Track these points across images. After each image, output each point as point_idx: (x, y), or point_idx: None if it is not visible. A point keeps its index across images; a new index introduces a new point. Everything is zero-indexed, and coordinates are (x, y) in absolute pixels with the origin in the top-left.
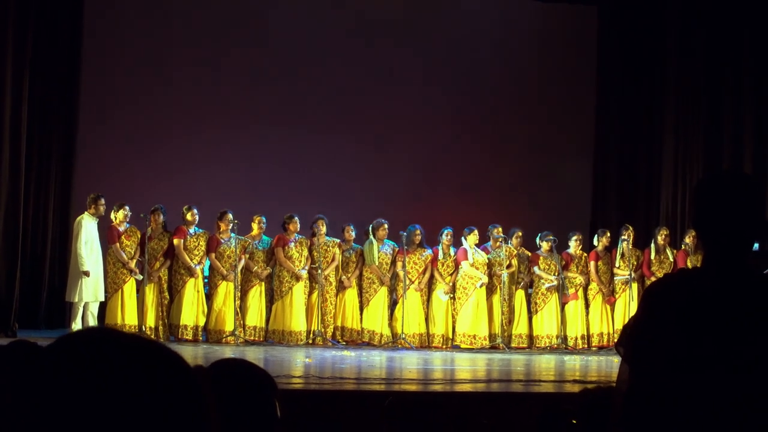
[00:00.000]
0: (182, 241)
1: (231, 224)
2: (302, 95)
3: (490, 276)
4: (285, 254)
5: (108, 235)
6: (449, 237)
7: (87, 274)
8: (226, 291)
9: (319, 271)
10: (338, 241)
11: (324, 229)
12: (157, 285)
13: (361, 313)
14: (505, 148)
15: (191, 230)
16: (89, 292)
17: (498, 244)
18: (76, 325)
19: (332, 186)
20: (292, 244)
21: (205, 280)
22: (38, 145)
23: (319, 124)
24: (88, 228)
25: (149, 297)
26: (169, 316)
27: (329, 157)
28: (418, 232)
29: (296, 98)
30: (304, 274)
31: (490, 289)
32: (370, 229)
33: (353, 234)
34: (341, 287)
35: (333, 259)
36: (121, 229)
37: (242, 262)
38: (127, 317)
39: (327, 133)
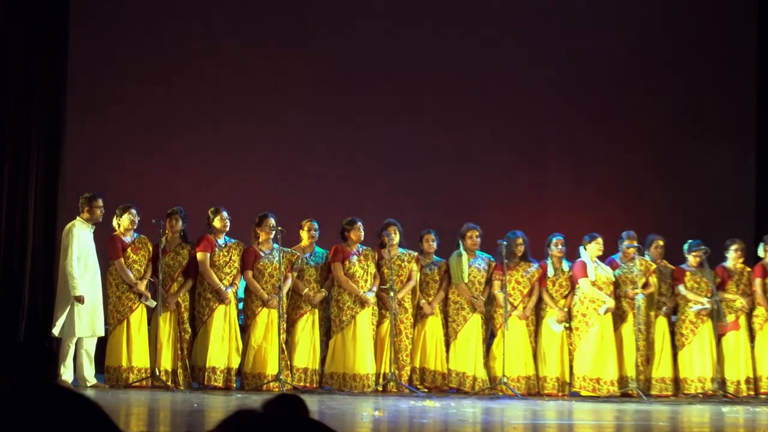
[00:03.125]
0: (208, 255)
1: (273, 232)
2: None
3: (618, 299)
4: (345, 271)
5: (109, 248)
6: (560, 247)
7: (80, 300)
8: (267, 321)
9: (392, 293)
10: (415, 254)
11: (397, 238)
12: (175, 314)
13: (448, 350)
14: (635, 133)
15: (220, 240)
16: (83, 324)
17: (630, 256)
18: (66, 369)
19: (405, 183)
20: (355, 257)
21: (240, 307)
22: (15, 135)
23: (385, 102)
24: (81, 238)
25: (165, 330)
26: (192, 355)
27: (398, 146)
28: (520, 240)
29: (356, 76)
30: (372, 297)
31: (620, 317)
32: (459, 237)
33: (435, 244)
34: (420, 315)
35: (409, 278)
36: (127, 239)
37: (289, 283)
38: (135, 358)
39: (396, 115)
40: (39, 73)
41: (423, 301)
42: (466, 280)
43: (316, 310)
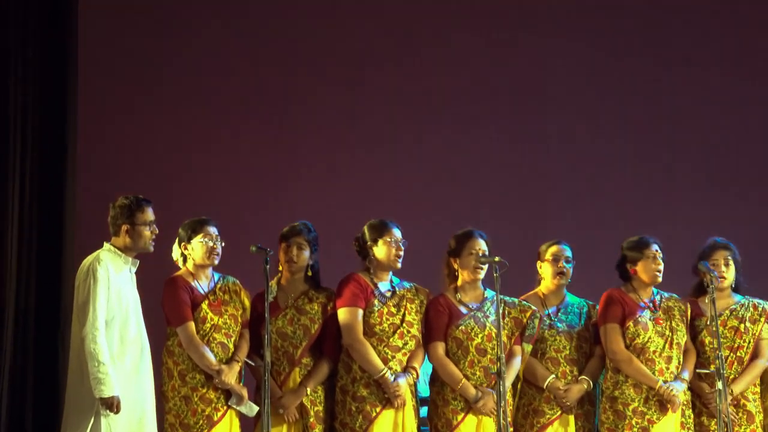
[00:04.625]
0: (360, 312)
1: (485, 266)
2: None
3: None
4: (630, 342)
5: (166, 303)
6: None
7: (113, 405)
8: None
9: (719, 384)
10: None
11: (731, 275)
12: (297, 430)
13: None
14: None
15: (383, 285)
16: None
17: None
18: None
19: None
20: (647, 315)
21: (423, 414)
22: None
23: None
24: (114, 285)
25: None
26: None
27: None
28: None
29: None
30: (682, 393)
31: None
32: None
33: None
34: None
35: (755, 354)
36: (201, 286)
37: (517, 364)
38: None
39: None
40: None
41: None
42: None
43: (571, 419)
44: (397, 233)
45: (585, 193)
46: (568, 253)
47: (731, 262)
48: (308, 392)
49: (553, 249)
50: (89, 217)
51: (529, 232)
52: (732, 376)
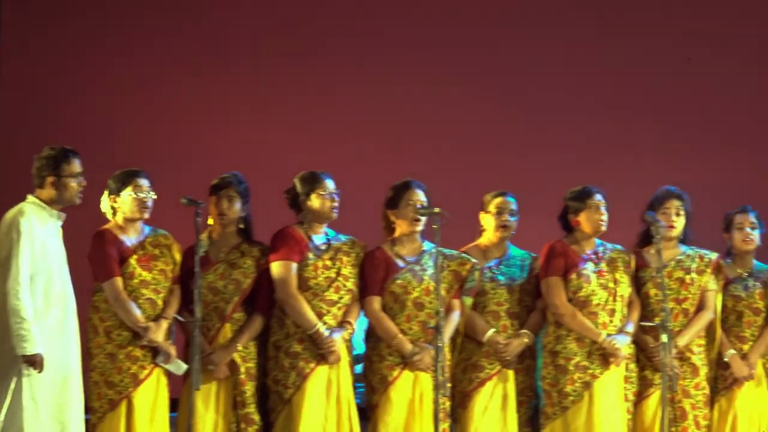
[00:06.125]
0: (294, 266)
1: (422, 219)
2: None
3: None
4: (572, 295)
5: (93, 257)
6: None
7: (36, 363)
8: (413, 397)
9: (664, 337)
10: (713, 256)
11: (680, 225)
12: (228, 388)
13: None
14: None
15: (318, 238)
16: (41, 413)
17: None
18: None
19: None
20: (590, 267)
21: (358, 370)
22: None
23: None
24: (37, 240)
25: (208, 421)
26: None
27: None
28: None
29: None
30: (624, 345)
31: None
32: None
33: (758, 236)
34: (726, 380)
35: (701, 305)
36: (130, 239)
37: (455, 319)
38: None
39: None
40: None
41: (731, 351)
42: None
43: (510, 374)
44: (330, 184)
45: (531, 141)
46: (513, 205)
47: (682, 212)
48: (239, 348)
49: (498, 201)
50: (11, 167)
51: (471, 182)
52: (677, 329)
